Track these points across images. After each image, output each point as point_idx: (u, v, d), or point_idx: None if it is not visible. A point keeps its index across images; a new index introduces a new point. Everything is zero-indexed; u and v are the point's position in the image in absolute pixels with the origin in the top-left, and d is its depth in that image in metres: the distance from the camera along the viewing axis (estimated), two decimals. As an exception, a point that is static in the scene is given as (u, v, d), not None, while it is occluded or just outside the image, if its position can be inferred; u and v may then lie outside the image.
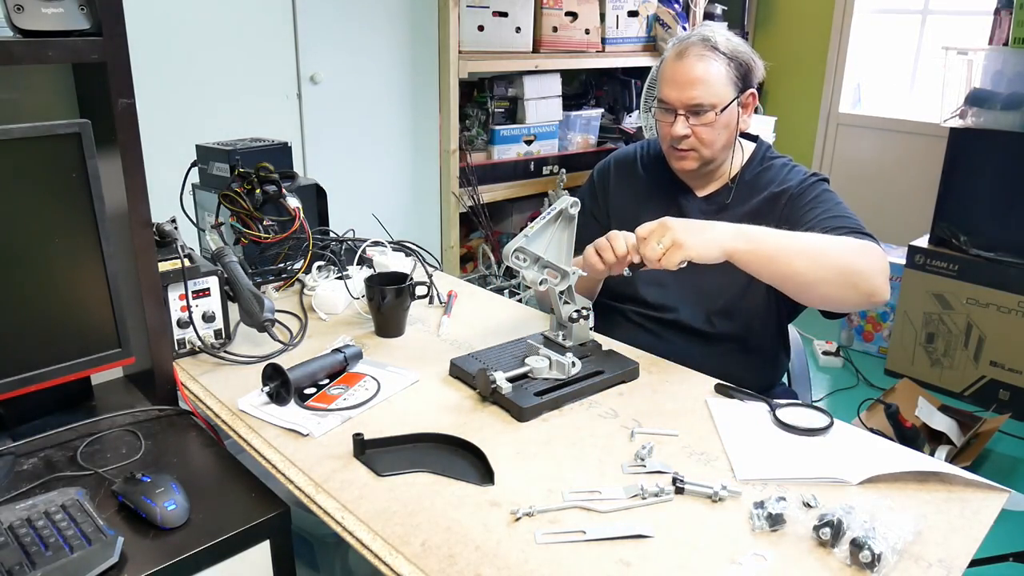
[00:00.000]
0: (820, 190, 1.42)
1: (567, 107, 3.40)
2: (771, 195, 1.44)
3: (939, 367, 2.97)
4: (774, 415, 1.12)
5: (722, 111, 1.40)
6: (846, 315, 1.65)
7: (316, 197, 1.68)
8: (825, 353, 3.20)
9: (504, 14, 2.96)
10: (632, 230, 1.50)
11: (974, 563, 0.90)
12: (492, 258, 3.17)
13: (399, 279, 1.39)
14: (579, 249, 1.27)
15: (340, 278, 1.54)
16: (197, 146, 1.65)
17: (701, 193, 1.51)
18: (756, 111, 1.52)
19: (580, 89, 3.76)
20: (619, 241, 1.25)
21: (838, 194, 1.42)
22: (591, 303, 1.30)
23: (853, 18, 3.77)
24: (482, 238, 3.26)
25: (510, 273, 3.15)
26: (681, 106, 1.40)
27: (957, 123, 2.79)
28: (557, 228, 1.21)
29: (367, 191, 2.73)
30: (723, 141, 1.43)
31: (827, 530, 0.84)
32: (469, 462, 1.00)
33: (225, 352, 1.27)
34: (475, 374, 1.16)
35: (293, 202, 1.54)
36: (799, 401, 1.18)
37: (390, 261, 1.56)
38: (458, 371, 1.22)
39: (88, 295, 1.03)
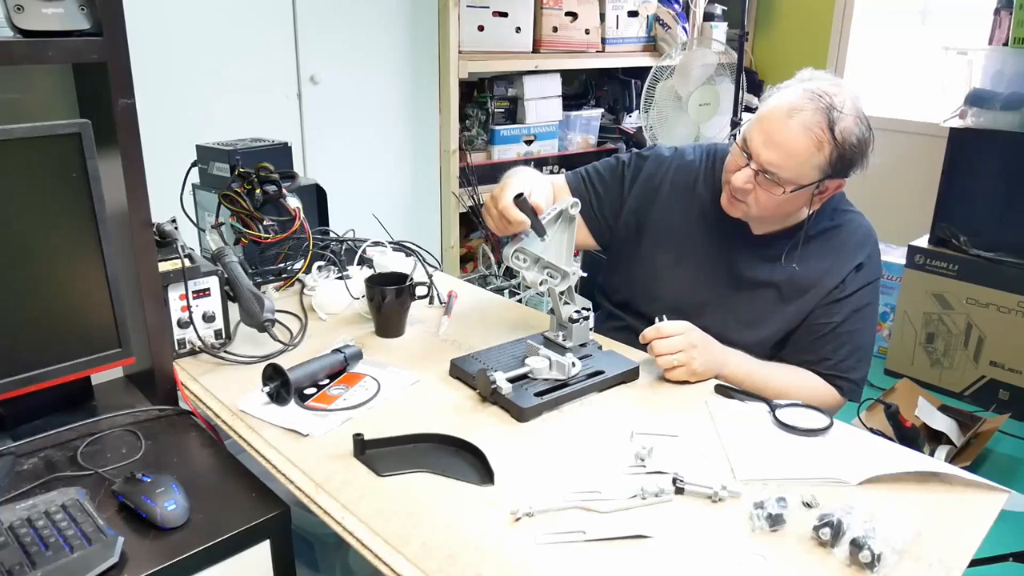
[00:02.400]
0: (866, 303, 1.37)
1: (567, 107, 3.40)
2: (827, 283, 1.36)
3: (939, 367, 2.97)
4: (774, 415, 1.12)
5: (793, 191, 1.26)
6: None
7: (316, 197, 1.68)
8: (825, 353, 3.19)
9: (504, 14, 2.96)
10: (669, 243, 1.45)
11: (974, 563, 0.90)
12: (492, 258, 3.17)
13: (399, 279, 1.39)
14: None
15: (340, 278, 1.54)
16: (197, 146, 1.64)
17: (757, 231, 1.40)
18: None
19: (580, 89, 3.76)
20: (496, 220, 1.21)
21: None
22: (591, 303, 1.30)
23: (853, 18, 3.77)
24: (482, 238, 3.26)
25: (510, 273, 3.15)
26: (757, 162, 1.26)
27: (957, 123, 2.79)
28: (557, 228, 1.21)
29: (367, 191, 2.73)
30: (780, 212, 1.32)
31: (827, 530, 0.84)
32: (469, 462, 1.00)
33: (225, 352, 1.27)
34: (475, 374, 1.16)
35: (293, 202, 1.54)
36: (799, 401, 1.18)
37: (390, 261, 1.56)
38: (458, 371, 1.22)
39: (88, 295, 1.03)
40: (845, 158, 1.25)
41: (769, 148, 1.25)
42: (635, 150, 1.59)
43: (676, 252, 1.46)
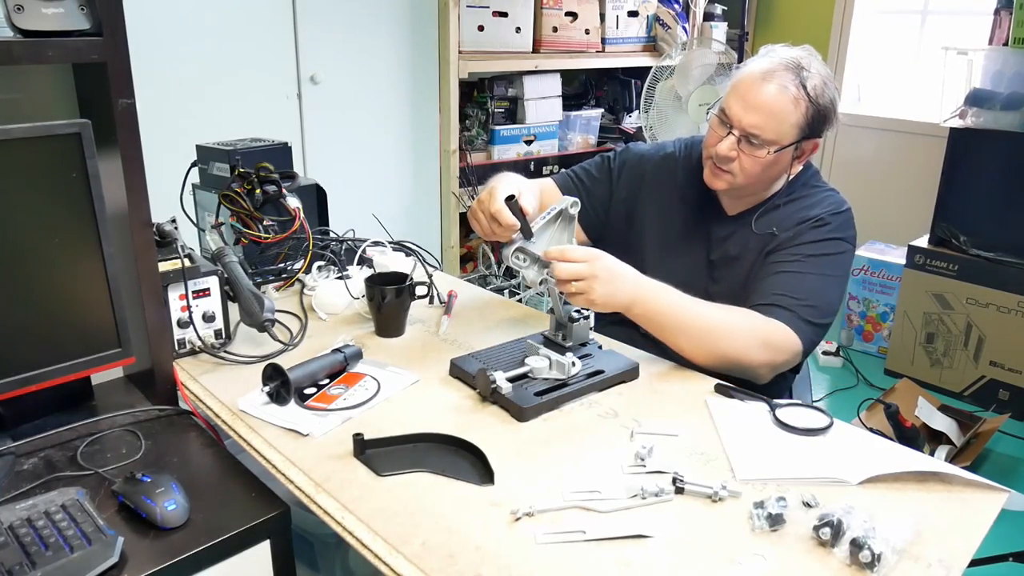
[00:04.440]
0: (822, 253, 1.32)
1: (567, 107, 3.40)
2: (784, 235, 1.36)
3: (939, 367, 2.97)
4: (774, 415, 1.12)
5: (777, 151, 1.31)
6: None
7: (316, 197, 1.68)
8: (825, 353, 3.20)
9: (504, 14, 2.95)
10: (655, 232, 1.48)
11: (974, 563, 0.90)
12: (492, 258, 3.17)
13: (399, 279, 1.39)
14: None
15: (340, 278, 1.54)
16: (197, 146, 1.65)
17: (731, 212, 1.45)
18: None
19: (580, 89, 3.76)
20: (484, 222, 1.23)
21: (845, 255, 1.35)
22: None
23: (853, 18, 3.77)
24: (482, 238, 3.26)
25: (510, 273, 3.15)
26: (739, 128, 1.31)
27: (957, 123, 2.79)
28: (557, 228, 1.21)
29: (367, 191, 2.73)
30: (764, 177, 1.36)
31: (827, 530, 0.84)
32: (469, 462, 1.00)
33: (225, 352, 1.27)
34: (475, 374, 1.16)
35: (293, 202, 1.54)
36: (799, 401, 1.18)
37: (390, 261, 1.56)
38: (458, 371, 1.22)
39: (88, 295, 1.03)
40: (820, 115, 1.31)
41: (749, 112, 1.30)
42: (618, 146, 1.62)
43: (661, 239, 1.49)
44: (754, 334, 1.24)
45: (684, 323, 1.23)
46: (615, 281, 1.20)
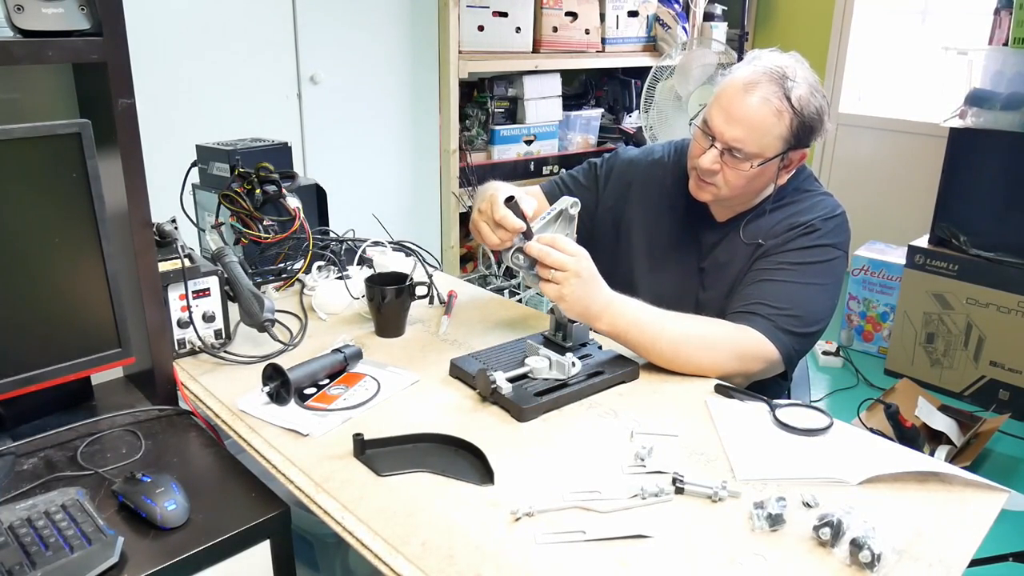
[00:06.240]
0: (807, 261, 1.31)
1: (567, 107, 3.40)
2: (771, 242, 1.35)
3: (939, 367, 2.97)
4: (774, 415, 1.12)
5: (760, 164, 1.29)
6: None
7: (316, 197, 1.68)
8: (825, 353, 3.20)
9: (504, 14, 2.96)
10: (643, 239, 1.48)
11: (974, 563, 0.90)
12: (492, 258, 3.17)
13: (399, 279, 1.39)
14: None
15: (340, 278, 1.54)
16: (197, 146, 1.65)
17: (720, 219, 1.43)
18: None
19: (580, 89, 3.76)
20: (490, 236, 1.20)
21: (835, 262, 1.32)
22: None
23: (853, 18, 3.78)
24: (482, 238, 3.26)
25: (510, 273, 3.15)
26: (721, 141, 1.28)
27: (957, 123, 2.79)
28: (557, 228, 1.21)
29: (367, 191, 2.73)
30: (749, 189, 1.34)
31: (827, 530, 0.84)
32: (469, 462, 1.00)
33: (225, 352, 1.27)
34: (475, 374, 1.16)
35: (293, 202, 1.54)
36: (799, 401, 1.18)
37: (390, 261, 1.56)
38: (458, 371, 1.22)
39: (88, 295, 1.03)
40: (805, 125, 1.28)
41: (731, 125, 1.27)
42: (618, 146, 1.63)
43: (650, 247, 1.49)
44: (726, 345, 1.24)
45: (651, 338, 1.22)
46: (593, 285, 1.20)
